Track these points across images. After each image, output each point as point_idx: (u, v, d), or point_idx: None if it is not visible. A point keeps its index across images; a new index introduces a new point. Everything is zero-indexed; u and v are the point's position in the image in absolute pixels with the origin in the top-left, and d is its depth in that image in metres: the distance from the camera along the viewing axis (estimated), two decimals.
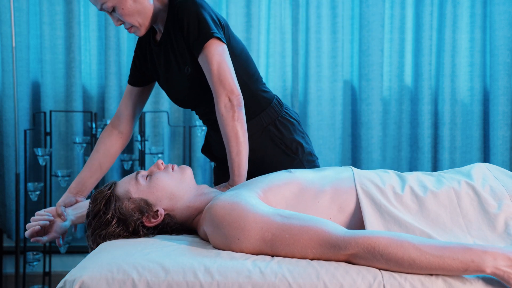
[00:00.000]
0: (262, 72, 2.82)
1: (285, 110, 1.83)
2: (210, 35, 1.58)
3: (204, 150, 1.92)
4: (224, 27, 1.68)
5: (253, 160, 1.71)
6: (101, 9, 1.63)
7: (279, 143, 1.76)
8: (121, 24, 1.66)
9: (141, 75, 1.83)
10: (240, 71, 1.72)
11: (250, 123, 1.73)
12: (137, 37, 2.73)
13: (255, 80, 1.78)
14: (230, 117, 1.58)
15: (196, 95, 1.72)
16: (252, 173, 1.68)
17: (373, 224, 1.29)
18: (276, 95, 1.85)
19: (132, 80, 1.84)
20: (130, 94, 1.84)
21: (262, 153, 1.76)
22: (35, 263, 2.56)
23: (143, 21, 1.65)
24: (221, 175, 1.87)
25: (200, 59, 1.61)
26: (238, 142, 1.59)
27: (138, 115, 1.89)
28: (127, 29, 1.68)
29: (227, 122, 1.58)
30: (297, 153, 1.77)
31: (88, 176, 1.81)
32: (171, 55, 1.70)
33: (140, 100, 1.87)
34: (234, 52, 1.71)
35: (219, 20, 1.65)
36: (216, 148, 1.83)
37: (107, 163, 1.84)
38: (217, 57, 1.58)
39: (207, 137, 1.90)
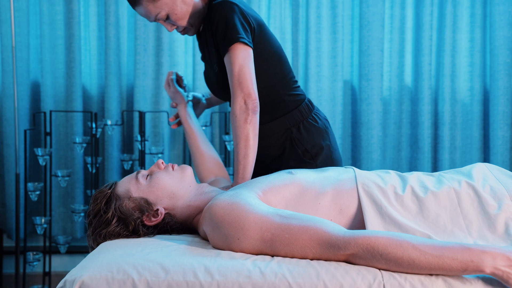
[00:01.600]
0: None
1: (314, 114, 1.84)
2: (236, 39, 1.62)
3: None
4: (255, 29, 1.71)
5: (269, 157, 1.76)
6: (155, 19, 1.71)
7: (299, 146, 1.77)
8: (174, 28, 1.76)
9: None
10: (271, 72, 1.76)
11: (272, 123, 1.78)
12: (136, 37, 2.74)
13: (286, 82, 1.81)
14: (243, 120, 1.61)
15: (224, 90, 1.78)
16: (265, 167, 1.75)
17: (374, 226, 1.29)
18: (308, 98, 1.87)
19: None
20: None
21: (279, 153, 1.79)
22: (35, 263, 2.56)
23: (193, 21, 1.75)
24: None
25: (225, 60, 1.67)
26: (247, 145, 1.61)
27: None
28: (180, 32, 1.78)
29: (239, 124, 1.61)
30: (315, 158, 1.78)
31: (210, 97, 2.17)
32: (206, 51, 1.80)
33: None
34: (267, 53, 1.76)
35: (248, 24, 1.68)
36: None
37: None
38: (240, 60, 1.62)
39: None
